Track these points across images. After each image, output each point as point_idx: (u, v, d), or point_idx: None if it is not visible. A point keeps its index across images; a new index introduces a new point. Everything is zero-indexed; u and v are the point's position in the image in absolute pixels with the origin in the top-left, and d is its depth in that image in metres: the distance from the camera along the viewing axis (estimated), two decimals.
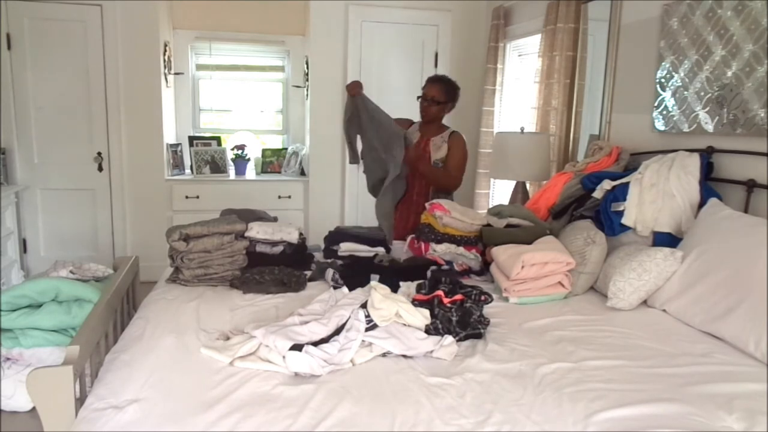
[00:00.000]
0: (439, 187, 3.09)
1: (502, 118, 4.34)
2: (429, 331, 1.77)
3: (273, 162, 4.85)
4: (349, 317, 1.74)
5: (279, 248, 2.44)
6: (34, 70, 4.05)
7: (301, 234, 2.54)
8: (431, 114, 3.08)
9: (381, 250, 2.57)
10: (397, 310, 1.75)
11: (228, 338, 1.74)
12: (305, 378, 1.52)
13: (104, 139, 4.24)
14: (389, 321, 1.73)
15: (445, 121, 3.20)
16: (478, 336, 1.81)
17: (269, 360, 1.57)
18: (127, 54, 4.19)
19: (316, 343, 1.62)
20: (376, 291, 1.80)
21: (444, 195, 3.07)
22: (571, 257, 2.23)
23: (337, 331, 1.71)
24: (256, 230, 2.41)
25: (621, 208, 2.38)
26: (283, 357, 1.55)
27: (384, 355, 1.66)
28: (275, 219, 2.70)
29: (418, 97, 3.11)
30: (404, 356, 1.66)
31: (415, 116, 3.20)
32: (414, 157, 2.95)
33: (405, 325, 1.75)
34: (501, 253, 2.32)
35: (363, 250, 2.55)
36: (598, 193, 2.55)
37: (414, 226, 2.93)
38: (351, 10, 4.39)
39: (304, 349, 1.57)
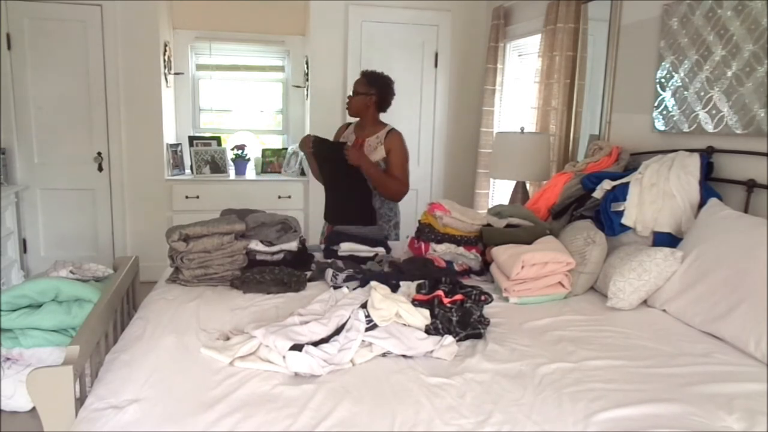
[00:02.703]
0: (387, 193, 2.90)
1: (502, 118, 4.34)
2: (429, 331, 1.76)
3: (273, 162, 4.85)
4: (349, 317, 1.74)
5: (279, 256, 2.44)
6: (34, 70, 4.05)
7: (301, 238, 2.53)
8: (354, 107, 2.95)
9: (381, 250, 2.57)
10: (397, 310, 1.75)
11: (228, 338, 1.74)
12: (305, 378, 1.52)
13: (104, 139, 4.24)
14: (389, 321, 1.73)
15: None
16: (479, 336, 1.81)
17: (269, 360, 1.57)
18: (127, 54, 4.19)
19: (316, 343, 1.62)
20: (376, 291, 1.80)
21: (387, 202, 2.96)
22: (571, 257, 2.23)
23: (337, 331, 1.70)
24: (255, 243, 2.39)
25: (621, 208, 2.38)
26: (283, 357, 1.55)
27: (384, 355, 1.66)
28: (283, 222, 2.63)
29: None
30: (404, 356, 1.65)
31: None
32: (355, 156, 2.76)
33: (405, 325, 1.75)
34: (501, 253, 2.32)
35: (363, 250, 2.55)
36: (598, 193, 2.55)
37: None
38: (351, 10, 4.39)
39: (304, 349, 1.57)
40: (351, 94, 2.98)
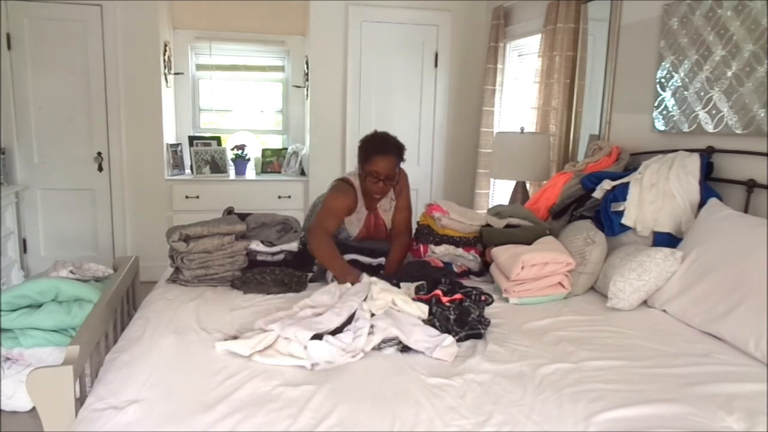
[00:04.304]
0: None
1: (502, 118, 4.34)
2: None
3: (273, 162, 4.85)
4: (357, 308, 1.79)
5: (280, 257, 2.44)
6: (34, 70, 4.05)
7: (302, 238, 2.53)
8: (386, 192, 2.49)
9: (383, 260, 2.49)
10: (393, 299, 1.82)
11: (236, 338, 1.74)
12: (305, 378, 1.52)
13: (104, 139, 4.24)
14: (385, 308, 1.80)
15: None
16: (478, 336, 1.81)
17: (290, 353, 1.60)
18: (127, 54, 4.19)
19: (332, 333, 1.67)
20: (375, 285, 1.88)
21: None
22: (570, 257, 2.23)
23: (348, 321, 1.76)
24: (255, 244, 2.39)
25: (621, 208, 2.38)
26: (304, 347, 1.58)
27: (380, 347, 1.69)
28: (283, 222, 2.61)
29: (362, 172, 2.44)
30: (403, 351, 1.68)
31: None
32: (391, 272, 2.38)
33: (400, 312, 1.83)
34: (501, 253, 2.32)
35: (366, 261, 2.47)
36: (598, 193, 2.55)
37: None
38: (351, 10, 4.38)
39: (324, 338, 1.61)
40: (371, 173, 2.39)
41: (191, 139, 4.69)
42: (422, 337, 1.70)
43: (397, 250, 2.52)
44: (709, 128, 2.38)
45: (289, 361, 1.58)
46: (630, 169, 2.62)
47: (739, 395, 1.45)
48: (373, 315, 1.77)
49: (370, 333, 1.69)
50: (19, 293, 2.13)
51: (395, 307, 1.83)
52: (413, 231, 2.68)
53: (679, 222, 2.27)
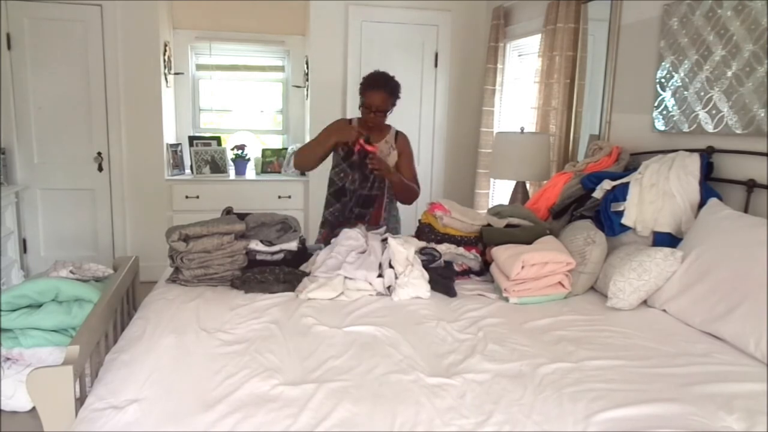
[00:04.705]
0: (407, 199, 2.88)
1: (502, 118, 4.34)
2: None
3: (273, 162, 4.85)
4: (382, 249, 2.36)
5: (279, 256, 2.44)
6: (34, 70, 4.05)
7: (301, 237, 2.53)
8: (378, 124, 2.81)
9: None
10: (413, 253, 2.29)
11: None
12: (305, 378, 1.52)
13: (104, 139, 4.24)
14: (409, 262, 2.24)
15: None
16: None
17: (357, 288, 2.17)
18: (127, 54, 4.19)
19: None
20: (394, 239, 2.32)
21: (394, 204, 2.92)
22: (571, 257, 2.23)
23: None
24: (255, 243, 2.40)
25: (621, 208, 2.38)
26: (370, 283, 2.18)
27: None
28: (283, 221, 2.62)
29: (360, 106, 2.79)
30: (405, 355, 1.67)
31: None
32: (382, 166, 2.66)
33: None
34: (501, 253, 2.32)
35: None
36: (598, 193, 2.55)
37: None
38: (351, 10, 4.39)
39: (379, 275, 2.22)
40: (365, 105, 2.75)
41: (191, 139, 4.69)
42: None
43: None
44: (709, 128, 2.38)
45: (361, 293, 2.16)
46: (630, 169, 2.62)
47: (739, 395, 1.45)
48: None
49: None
50: (19, 293, 2.13)
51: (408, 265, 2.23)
52: (418, 230, 2.69)
53: (679, 222, 2.27)
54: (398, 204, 3.04)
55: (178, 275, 2.28)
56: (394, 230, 2.88)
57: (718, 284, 1.88)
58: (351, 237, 2.43)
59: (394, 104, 2.85)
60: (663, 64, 2.63)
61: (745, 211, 2.18)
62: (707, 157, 2.35)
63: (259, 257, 2.39)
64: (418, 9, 4.48)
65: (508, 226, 2.56)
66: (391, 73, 2.92)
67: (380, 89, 2.76)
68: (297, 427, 1.30)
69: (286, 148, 4.95)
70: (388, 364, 1.60)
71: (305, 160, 2.94)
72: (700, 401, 1.42)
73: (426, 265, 2.32)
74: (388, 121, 2.95)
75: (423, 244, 2.47)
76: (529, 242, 2.38)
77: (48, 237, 4.29)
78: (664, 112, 2.63)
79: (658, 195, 2.30)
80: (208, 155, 4.63)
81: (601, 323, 1.96)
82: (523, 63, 4.24)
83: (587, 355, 1.68)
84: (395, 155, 2.86)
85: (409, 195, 2.88)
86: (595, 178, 2.62)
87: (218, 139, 4.77)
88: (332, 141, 2.77)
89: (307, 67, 4.62)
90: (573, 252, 2.28)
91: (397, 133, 2.92)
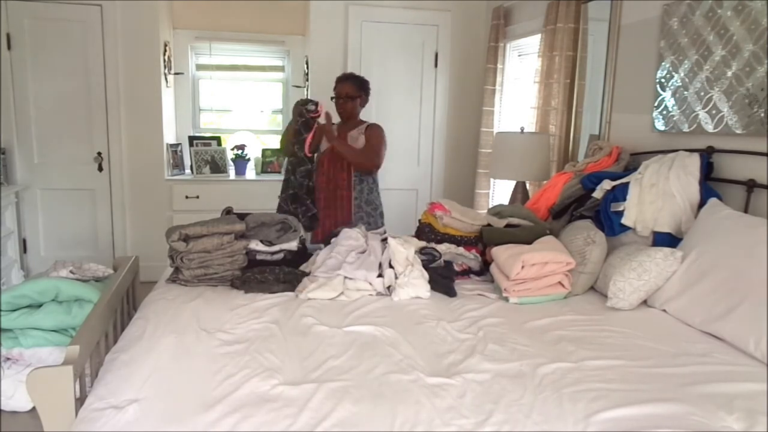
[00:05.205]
0: (358, 165, 3.12)
1: (502, 118, 4.34)
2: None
3: (273, 162, 4.85)
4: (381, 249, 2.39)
5: (279, 256, 2.44)
6: (34, 70, 4.05)
7: (301, 237, 2.53)
8: (348, 110, 3.19)
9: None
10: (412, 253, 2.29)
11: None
12: (305, 378, 1.52)
13: (104, 139, 4.24)
14: (408, 263, 2.25)
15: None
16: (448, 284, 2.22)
17: (357, 288, 2.18)
18: (127, 54, 4.19)
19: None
20: (393, 239, 2.35)
21: (364, 175, 3.15)
22: (571, 257, 2.23)
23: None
24: (255, 243, 2.40)
25: (621, 208, 2.38)
26: (370, 283, 2.19)
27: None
28: (282, 221, 2.64)
29: (332, 98, 3.22)
30: (405, 355, 1.66)
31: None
32: (328, 130, 3.05)
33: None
34: (501, 253, 2.32)
35: None
36: (598, 193, 2.55)
37: (340, 220, 3.09)
38: (351, 10, 4.38)
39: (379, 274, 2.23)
40: (334, 95, 3.19)
41: (191, 139, 4.69)
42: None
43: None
44: (709, 128, 2.38)
45: (361, 293, 2.17)
46: (630, 169, 2.62)
47: (739, 395, 1.45)
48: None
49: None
50: (19, 293, 2.13)
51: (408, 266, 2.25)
52: (419, 230, 2.71)
53: (679, 222, 2.27)
54: (382, 199, 3.27)
55: (178, 275, 2.28)
56: (368, 221, 3.12)
57: (718, 284, 1.88)
58: (351, 237, 2.46)
59: (364, 97, 3.23)
60: (663, 64, 2.63)
61: (745, 211, 2.18)
62: (707, 157, 2.35)
63: (259, 257, 2.40)
64: (418, 9, 4.47)
65: (508, 226, 2.57)
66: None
67: (346, 80, 3.22)
68: (297, 427, 1.30)
69: None
70: (388, 364, 1.60)
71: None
72: (699, 401, 1.42)
73: (426, 265, 2.32)
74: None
75: (423, 243, 2.48)
76: (529, 242, 2.38)
77: (48, 237, 4.29)
78: (664, 112, 2.63)
79: (658, 195, 2.30)
80: (208, 155, 4.63)
81: (601, 323, 1.96)
82: (523, 63, 4.24)
83: (587, 355, 1.68)
84: (363, 139, 3.16)
85: (357, 158, 3.10)
86: (595, 178, 2.62)
87: (218, 139, 4.77)
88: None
89: (307, 67, 4.62)
90: (573, 252, 2.28)
91: (370, 124, 3.22)
